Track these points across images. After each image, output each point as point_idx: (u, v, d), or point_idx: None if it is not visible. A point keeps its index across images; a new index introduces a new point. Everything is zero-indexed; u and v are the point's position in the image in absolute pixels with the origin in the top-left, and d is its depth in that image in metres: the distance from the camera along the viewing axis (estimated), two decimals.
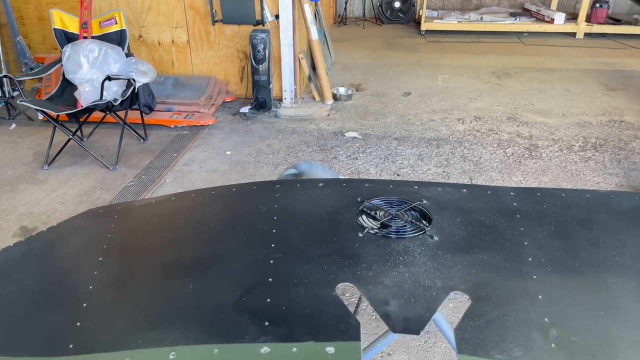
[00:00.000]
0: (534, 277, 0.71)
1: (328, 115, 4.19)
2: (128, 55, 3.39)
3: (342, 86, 4.68)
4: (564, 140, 3.63)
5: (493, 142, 3.62)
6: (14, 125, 3.99)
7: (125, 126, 3.47)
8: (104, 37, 3.37)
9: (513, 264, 0.73)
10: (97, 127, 3.77)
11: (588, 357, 0.55)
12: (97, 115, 3.56)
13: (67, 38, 3.37)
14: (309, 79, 4.51)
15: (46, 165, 3.29)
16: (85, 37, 3.37)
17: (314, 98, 4.49)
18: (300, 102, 4.42)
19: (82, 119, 3.37)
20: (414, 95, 4.58)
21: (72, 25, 3.38)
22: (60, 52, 3.37)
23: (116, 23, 3.39)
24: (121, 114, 3.43)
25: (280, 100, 4.35)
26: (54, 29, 3.35)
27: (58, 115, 3.17)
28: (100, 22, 3.42)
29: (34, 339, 0.65)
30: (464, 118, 4.04)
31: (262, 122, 4.05)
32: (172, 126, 3.93)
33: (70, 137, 3.22)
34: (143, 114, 3.60)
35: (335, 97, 4.47)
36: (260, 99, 4.13)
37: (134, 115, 3.62)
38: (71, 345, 0.61)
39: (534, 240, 0.79)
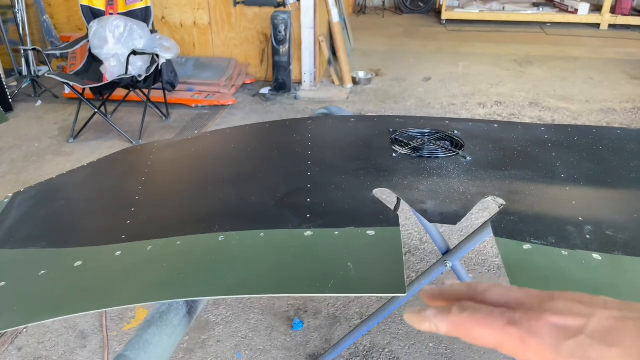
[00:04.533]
0: (567, 188, 0.72)
1: (347, 98, 4.20)
2: (153, 31, 3.45)
3: (362, 71, 4.68)
4: None
5: None
6: (39, 102, 4.08)
7: (149, 103, 3.52)
8: (130, 14, 3.42)
9: (546, 178, 0.74)
10: (120, 105, 3.84)
11: (622, 247, 0.57)
12: (120, 93, 3.62)
13: (93, 14, 3.44)
14: (329, 62, 4.52)
15: (72, 139, 3.36)
16: (111, 14, 3.43)
17: (333, 82, 4.51)
18: (319, 86, 4.44)
19: (106, 96, 3.43)
20: (434, 80, 4.56)
21: (98, 1, 3.45)
22: (87, 28, 3.43)
23: (141, 0, 3.44)
24: (145, 91, 3.49)
25: (299, 83, 4.37)
26: (81, 5, 3.42)
27: (84, 90, 3.23)
28: None
29: (88, 235, 0.69)
30: (485, 102, 4.02)
31: (281, 103, 4.08)
32: (193, 105, 3.97)
33: (96, 110, 3.28)
34: (166, 92, 3.66)
35: (354, 81, 4.48)
36: (280, 80, 4.16)
37: (156, 94, 3.68)
38: (124, 236, 0.64)
39: (566, 162, 0.80)
